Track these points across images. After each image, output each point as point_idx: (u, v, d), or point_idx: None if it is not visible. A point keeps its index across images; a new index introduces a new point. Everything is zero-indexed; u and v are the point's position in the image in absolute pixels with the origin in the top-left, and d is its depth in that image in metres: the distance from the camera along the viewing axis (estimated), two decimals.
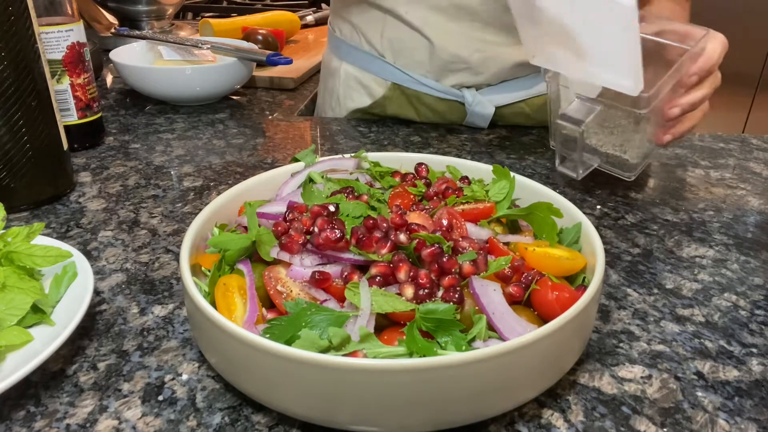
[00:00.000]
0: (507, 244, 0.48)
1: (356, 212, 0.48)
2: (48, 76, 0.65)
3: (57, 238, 0.59)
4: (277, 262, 0.45)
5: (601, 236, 0.56)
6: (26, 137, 0.63)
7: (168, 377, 0.44)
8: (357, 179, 0.56)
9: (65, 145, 0.69)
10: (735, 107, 2.44)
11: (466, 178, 0.56)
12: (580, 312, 0.38)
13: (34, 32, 0.62)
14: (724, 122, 2.44)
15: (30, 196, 0.66)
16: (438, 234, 0.45)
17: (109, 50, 1.04)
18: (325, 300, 0.41)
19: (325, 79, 1.04)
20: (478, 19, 0.83)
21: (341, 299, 0.41)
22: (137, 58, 1.06)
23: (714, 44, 0.66)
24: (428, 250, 0.42)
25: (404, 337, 0.38)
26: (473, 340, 0.39)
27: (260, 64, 1.07)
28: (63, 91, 0.78)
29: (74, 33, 0.77)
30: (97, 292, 0.53)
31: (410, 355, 0.37)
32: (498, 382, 0.36)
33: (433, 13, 0.84)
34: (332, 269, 0.43)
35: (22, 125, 0.62)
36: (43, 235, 0.56)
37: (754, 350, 0.47)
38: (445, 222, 0.48)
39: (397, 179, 0.56)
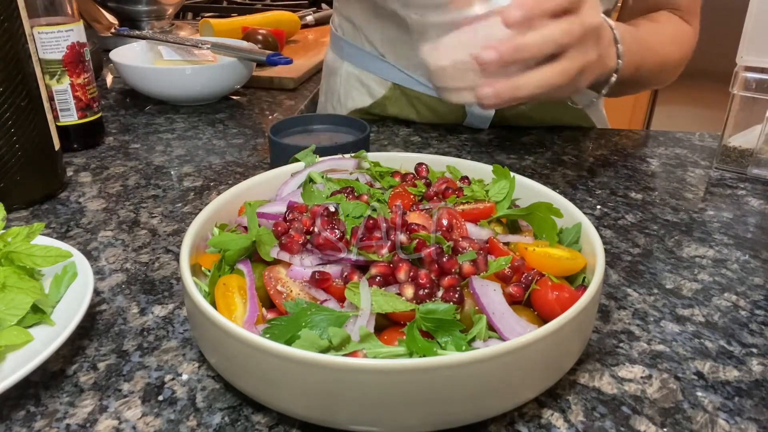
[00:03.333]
0: (507, 244, 0.48)
1: (356, 212, 0.48)
2: (40, 76, 0.65)
3: (57, 238, 0.59)
4: (277, 262, 0.45)
5: (601, 236, 0.56)
6: (16, 137, 0.63)
7: (168, 377, 0.44)
8: (357, 179, 0.56)
9: (57, 145, 0.69)
10: None
11: (466, 178, 0.56)
12: (580, 312, 0.38)
13: (25, 32, 0.62)
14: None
15: (21, 196, 0.66)
16: (438, 234, 0.45)
17: (109, 50, 1.04)
18: (325, 300, 0.41)
19: (327, 77, 1.04)
20: None
21: (341, 299, 0.41)
22: (137, 58, 1.07)
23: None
24: (428, 250, 0.42)
25: (404, 337, 0.38)
26: (473, 340, 0.39)
27: (260, 64, 1.07)
28: (63, 91, 0.78)
29: (74, 33, 0.77)
30: (97, 292, 0.53)
31: (410, 355, 0.37)
32: (498, 382, 0.36)
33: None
34: (332, 269, 0.43)
35: (12, 125, 0.62)
36: (43, 235, 0.56)
37: (754, 350, 0.47)
38: (445, 222, 0.48)
39: (397, 179, 0.56)
